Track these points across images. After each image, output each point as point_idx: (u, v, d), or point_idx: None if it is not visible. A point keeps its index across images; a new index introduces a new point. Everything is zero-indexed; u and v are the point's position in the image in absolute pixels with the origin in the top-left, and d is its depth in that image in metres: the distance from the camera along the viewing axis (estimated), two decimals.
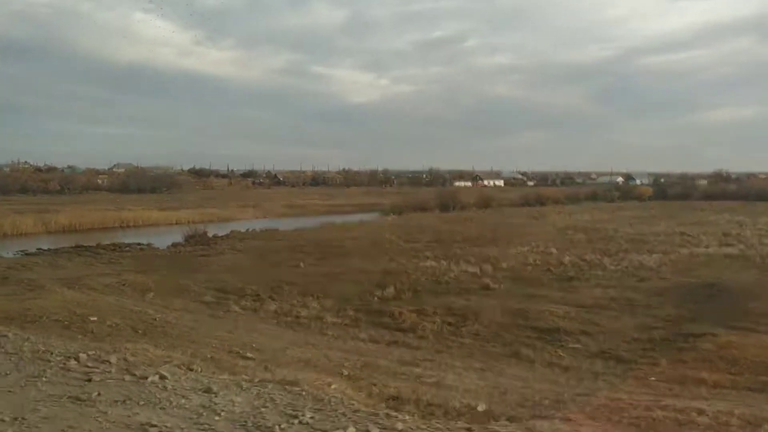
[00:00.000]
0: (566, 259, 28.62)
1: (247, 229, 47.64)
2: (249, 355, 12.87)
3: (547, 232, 43.12)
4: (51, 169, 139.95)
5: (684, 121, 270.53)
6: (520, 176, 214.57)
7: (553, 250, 31.74)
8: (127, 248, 37.59)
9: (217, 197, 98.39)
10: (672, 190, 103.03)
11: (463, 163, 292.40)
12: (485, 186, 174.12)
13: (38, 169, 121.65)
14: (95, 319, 16.73)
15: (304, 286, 22.43)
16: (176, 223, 58.64)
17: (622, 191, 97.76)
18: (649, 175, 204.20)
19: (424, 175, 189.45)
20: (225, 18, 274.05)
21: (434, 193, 76.86)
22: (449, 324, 16.44)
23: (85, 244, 38.67)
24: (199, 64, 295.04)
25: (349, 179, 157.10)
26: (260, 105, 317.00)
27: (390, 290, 21.21)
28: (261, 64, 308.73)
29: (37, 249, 37.97)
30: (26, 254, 35.75)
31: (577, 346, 15.06)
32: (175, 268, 27.40)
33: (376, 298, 20.19)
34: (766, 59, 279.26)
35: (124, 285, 22.87)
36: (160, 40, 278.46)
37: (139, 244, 39.77)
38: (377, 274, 25.10)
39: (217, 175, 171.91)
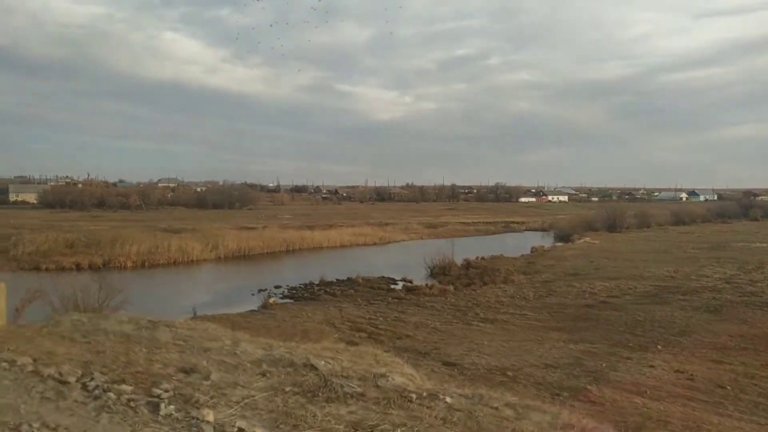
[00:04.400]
0: None
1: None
2: None
3: None
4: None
5: (701, 137, 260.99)
6: (573, 192, 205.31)
7: None
8: (387, 286, 28.04)
9: (312, 213, 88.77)
10: None
11: (486, 179, 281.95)
12: (550, 201, 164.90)
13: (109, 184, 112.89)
14: None
15: None
16: (340, 246, 49.33)
17: (765, 210, 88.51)
18: (713, 191, 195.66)
19: (488, 191, 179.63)
20: (253, 36, 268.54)
21: (602, 211, 67.16)
22: None
23: (327, 279, 29.36)
24: (226, 81, 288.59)
25: (415, 194, 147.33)
26: (287, 121, 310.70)
27: None
28: (288, 81, 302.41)
29: (284, 287, 28.46)
30: (293, 298, 26.10)
31: None
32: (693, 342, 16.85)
33: None
34: None
35: None
36: (189, 58, 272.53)
37: (385, 277, 30.29)
38: None
39: (266, 189, 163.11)
